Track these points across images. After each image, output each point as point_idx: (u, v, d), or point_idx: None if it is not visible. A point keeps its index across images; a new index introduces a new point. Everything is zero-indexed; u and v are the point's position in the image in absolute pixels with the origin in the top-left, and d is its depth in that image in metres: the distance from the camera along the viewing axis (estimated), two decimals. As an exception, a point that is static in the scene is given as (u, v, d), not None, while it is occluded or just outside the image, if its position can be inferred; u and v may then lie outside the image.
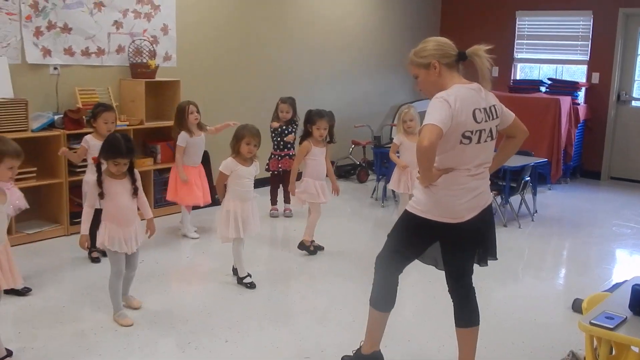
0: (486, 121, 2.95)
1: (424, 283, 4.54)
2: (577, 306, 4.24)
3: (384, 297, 3.35)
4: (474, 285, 3.24)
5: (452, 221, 3.01)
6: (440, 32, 10.05)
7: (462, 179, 2.97)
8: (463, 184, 2.98)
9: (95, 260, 5.06)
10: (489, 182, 3.13)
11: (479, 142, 2.95)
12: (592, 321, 2.64)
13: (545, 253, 5.96)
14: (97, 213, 4.05)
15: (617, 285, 4.01)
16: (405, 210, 3.14)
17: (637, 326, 2.65)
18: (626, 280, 3.20)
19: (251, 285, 4.62)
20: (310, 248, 5.43)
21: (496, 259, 3.24)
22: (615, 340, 2.67)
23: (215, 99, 7.10)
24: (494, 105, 3.01)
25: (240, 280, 4.67)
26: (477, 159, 2.99)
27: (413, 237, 3.17)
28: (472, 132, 2.91)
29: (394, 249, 3.24)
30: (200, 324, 4.04)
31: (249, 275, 4.67)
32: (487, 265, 3.24)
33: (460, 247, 3.13)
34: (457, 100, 2.85)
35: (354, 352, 3.53)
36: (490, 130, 2.99)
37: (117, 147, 3.89)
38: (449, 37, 3.11)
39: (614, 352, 2.89)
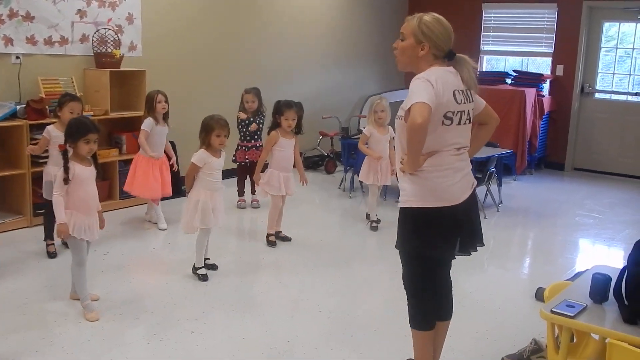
0: (465, 103, 2.95)
1: (391, 273, 4.57)
2: (539, 295, 4.31)
3: (423, 316, 3.18)
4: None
5: (450, 204, 2.97)
6: (408, 23, 10.06)
7: (447, 158, 2.94)
8: (450, 163, 2.95)
9: (52, 255, 4.96)
10: (470, 165, 3.12)
11: (459, 123, 2.94)
12: (553, 309, 2.68)
13: (510, 243, 6.05)
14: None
15: (579, 274, 4.08)
16: (400, 209, 3.05)
17: (597, 314, 2.70)
18: (587, 269, 3.25)
19: (203, 278, 4.59)
20: (269, 239, 5.45)
21: (483, 244, 3.20)
22: (575, 328, 2.71)
23: (181, 89, 7.03)
24: (468, 89, 3.01)
25: (194, 271, 4.65)
26: (457, 142, 2.98)
27: (420, 232, 3.00)
28: (453, 113, 2.90)
29: (410, 255, 3.08)
30: (166, 316, 4.01)
31: (203, 267, 4.66)
32: (476, 251, 3.16)
33: (450, 233, 3.03)
34: (438, 81, 2.83)
35: None
36: (468, 113, 2.99)
37: (84, 124, 3.89)
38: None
39: (574, 340, 2.95)
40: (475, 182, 3.15)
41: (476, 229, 3.15)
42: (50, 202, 4.83)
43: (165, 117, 5.72)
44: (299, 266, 5.01)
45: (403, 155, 2.95)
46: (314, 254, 5.30)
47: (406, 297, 3.17)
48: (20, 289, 4.31)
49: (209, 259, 4.80)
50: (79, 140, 3.83)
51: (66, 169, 3.84)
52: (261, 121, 6.45)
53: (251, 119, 6.41)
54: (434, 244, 3.00)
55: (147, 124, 5.59)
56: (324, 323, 3.99)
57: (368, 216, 6.21)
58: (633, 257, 2.69)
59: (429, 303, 3.14)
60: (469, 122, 3.02)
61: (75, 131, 3.85)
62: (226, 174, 5.21)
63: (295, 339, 3.76)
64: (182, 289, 4.47)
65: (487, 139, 3.35)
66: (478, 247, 3.19)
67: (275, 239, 5.47)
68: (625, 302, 2.65)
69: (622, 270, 2.73)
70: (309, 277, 4.80)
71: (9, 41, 5.66)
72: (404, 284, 3.17)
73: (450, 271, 3.28)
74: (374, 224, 6.01)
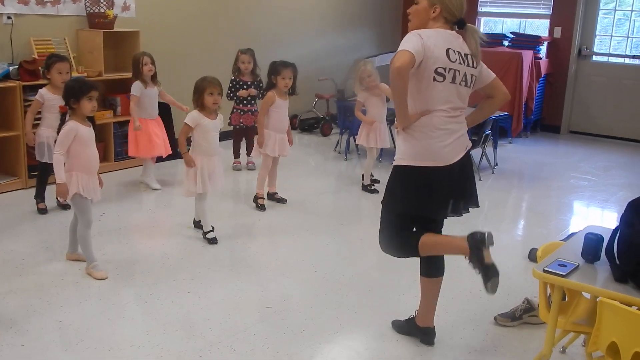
0: (460, 63, 2.96)
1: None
2: (532, 255, 4.35)
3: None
4: None
5: (441, 164, 3.00)
6: (405, -16, 9.97)
7: (440, 119, 2.97)
8: (443, 125, 2.98)
9: (43, 211, 5.03)
10: (466, 127, 3.14)
11: (453, 81, 2.96)
12: (545, 268, 2.70)
13: (505, 205, 6.07)
14: (48, 166, 4.03)
15: (572, 235, 4.12)
16: (393, 167, 3.11)
17: (588, 273, 2.73)
18: (580, 230, 3.27)
19: (212, 241, 4.60)
20: (259, 202, 5.42)
21: (478, 206, 3.24)
22: (567, 287, 2.74)
23: (175, 51, 6.97)
24: (470, 55, 3.02)
25: (204, 235, 4.65)
26: (452, 101, 2.99)
27: (408, 190, 3.06)
28: (445, 70, 2.92)
29: (393, 212, 3.13)
30: (162, 276, 4.04)
31: (212, 230, 4.66)
32: (468, 212, 3.22)
33: (442, 193, 3.08)
34: (430, 37, 2.89)
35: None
36: (465, 75, 2.99)
37: (85, 83, 3.91)
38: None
39: (566, 299, 2.98)
40: (470, 144, 3.16)
41: (470, 190, 3.19)
42: (43, 163, 4.88)
43: (154, 78, 5.68)
44: (294, 228, 5.04)
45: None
46: (310, 216, 5.33)
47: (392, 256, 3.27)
48: (17, 250, 4.33)
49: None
50: (82, 99, 3.82)
51: (59, 131, 3.85)
52: (260, 86, 6.34)
53: (249, 83, 6.33)
54: (421, 203, 3.06)
55: (136, 88, 5.57)
56: (319, 283, 4.03)
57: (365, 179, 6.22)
58: (625, 217, 2.71)
59: (408, 251, 3.16)
60: (466, 86, 3.02)
61: (78, 90, 3.83)
62: (222, 136, 5.19)
63: (291, 299, 3.80)
64: (178, 249, 4.50)
65: (492, 112, 3.40)
66: (472, 209, 3.23)
67: (264, 202, 5.44)
68: (617, 262, 2.68)
69: (615, 231, 2.75)
70: (304, 238, 4.83)
71: (0, 1, 5.58)
72: (380, 239, 3.20)
73: (444, 232, 3.30)
74: (372, 187, 6.03)
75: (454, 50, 2.94)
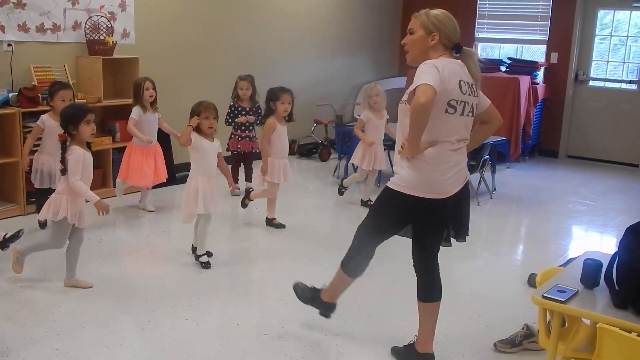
0: (469, 95, 2.99)
1: (383, 259, 4.58)
2: (532, 281, 4.33)
3: (355, 265, 3.37)
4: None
5: (438, 197, 3.01)
6: (403, 10, 10.07)
7: (446, 153, 2.99)
8: (448, 158, 3.00)
9: (43, 225, 5.14)
10: (467, 158, 3.16)
11: (462, 114, 2.98)
12: (544, 294, 2.70)
13: (503, 230, 6.07)
14: (45, 192, 4.24)
15: (571, 260, 4.10)
16: (387, 187, 3.11)
17: (588, 299, 2.72)
18: (579, 256, 3.27)
19: (206, 265, 4.57)
20: (246, 201, 5.70)
21: (468, 234, 3.27)
22: (567, 313, 2.73)
23: (174, 77, 7.01)
24: (474, 84, 3.05)
25: (197, 258, 4.63)
26: (459, 133, 3.02)
27: (395, 214, 3.13)
28: (457, 102, 2.94)
29: (376, 222, 3.23)
30: (160, 303, 4.01)
31: (206, 254, 4.63)
32: (465, 241, 3.26)
33: (439, 223, 3.13)
34: (445, 69, 2.89)
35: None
36: (472, 106, 3.03)
37: (80, 107, 3.97)
38: (410, 16, 3.12)
39: (566, 325, 2.97)
40: (469, 176, 3.18)
41: (464, 221, 3.21)
42: (39, 189, 4.93)
43: (153, 104, 5.70)
44: (293, 253, 5.02)
45: (404, 140, 2.99)
46: (308, 241, 5.31)
47: (355, 246, 3.37)
48: (14, 277, 4.29)
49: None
50: (81, 124, 3.85)
51: (63, 160, 3.86)
52: (259, 113, 6.38)
53: (247, 109, 6.36)
54: (410, 229, 3.16)
55: (135, 112, 5.60)
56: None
57: (363, 202, 6.22)
58: (624, 242, 2.70)
59: (367, 256, 3.34)
60: (472, 116, 3.06)
61: (75, 115, 3.87)
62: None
63: (289, 325, 3.78)
64: (176, 276, 4.48)
65: (487, 137, 3.44)
66: (461, 239, 3.27)
67: (249, 203, 5.68)
68: (616, 288, 2.67)
69: (613, 256, 2.74)
70: (303, 264, 4.81)
71: (0, 28, 5.63)
72: (358, 229, 3.32)
73: (443, 257, 3.30)
74: (342, 190, 6.35)
75: (464, 82, 2.97)
